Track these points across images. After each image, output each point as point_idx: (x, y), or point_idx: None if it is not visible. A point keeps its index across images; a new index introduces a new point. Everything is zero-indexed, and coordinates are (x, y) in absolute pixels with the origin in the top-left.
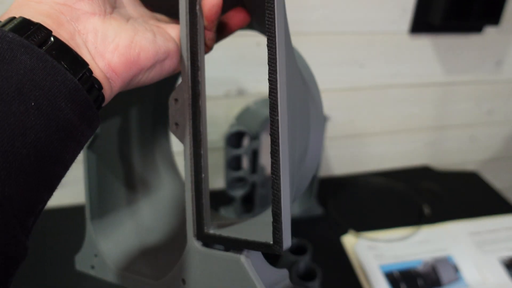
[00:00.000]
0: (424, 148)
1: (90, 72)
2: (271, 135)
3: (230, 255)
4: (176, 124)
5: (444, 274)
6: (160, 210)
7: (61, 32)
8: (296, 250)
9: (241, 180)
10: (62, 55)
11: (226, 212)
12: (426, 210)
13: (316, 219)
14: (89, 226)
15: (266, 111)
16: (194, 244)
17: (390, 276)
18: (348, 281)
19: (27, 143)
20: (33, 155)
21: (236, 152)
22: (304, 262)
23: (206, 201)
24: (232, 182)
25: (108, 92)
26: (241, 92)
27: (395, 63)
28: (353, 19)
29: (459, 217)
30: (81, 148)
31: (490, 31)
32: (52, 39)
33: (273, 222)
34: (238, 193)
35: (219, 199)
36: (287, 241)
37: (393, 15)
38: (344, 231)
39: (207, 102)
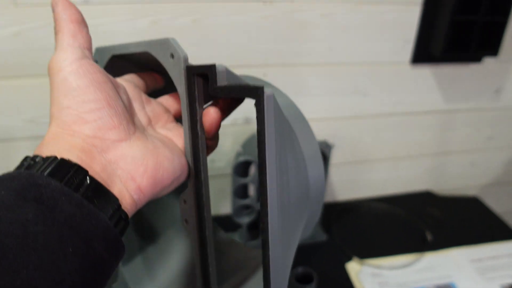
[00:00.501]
0: (426, 174)
1: (119, 205)
2: (260, 199)
3: None
4: (186, 220)
5: None
6: (169, 264)
7: (94, 166)
8: (302, 278)
9: (247, 207)
10: (97, 196)
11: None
12: (429, 236)
13: (321, 245)
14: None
15: None
16: None
17: None
18: None
19: (67, 282)
20: None
21: (242, 181)
22: None
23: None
24: (239, 210)
25: (133, 211)
26: (247, 121)
27: (397, 92)
28: (357, 50)
29: (461, 243)
30: (109, 279)
31: (489, 61)
32: (88, 180)
33: (263, 280)
34: (245, 220)
35: (226, 225)
36: None
37: (395, 46)
38: (348, 258)
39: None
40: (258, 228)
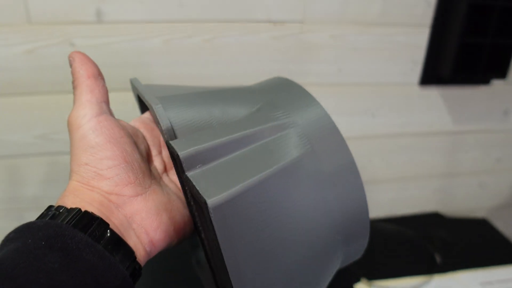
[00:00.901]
0: (434, 195)
1: (135, 258)
2: None
3: None
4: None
5: None
6: None
7: (113, 220)
8: None
9: None
10: (116, 249)
11: None
12: (438, 258)
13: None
14: None
15: None
16: None
17: None
18: None
19: None
20: None
21: None
22: None
23: None
24: None
25: (144, 262)
26: None
27: (406, 113)
28: (366, 71)
29: (470, 265)
30: None
31: (497, 83)
32: (108, 233)
33: None
34: None
35: None
36: None
37: (404, 68)
38: (357, 279)
39: None
40: None
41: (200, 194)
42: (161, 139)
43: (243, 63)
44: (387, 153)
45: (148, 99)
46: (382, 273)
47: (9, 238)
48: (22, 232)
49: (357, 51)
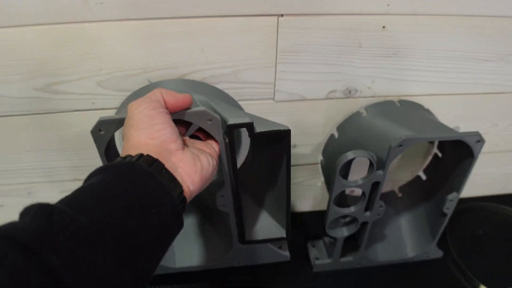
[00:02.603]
0: None
1: (182, 190)
2: None
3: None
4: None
5: None
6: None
7: (166, 164)
8: None
9: (346, 215)
10: (170, 181)
11: (318, 251)
12: None
13: (435, 264)
14: None
15: (386, 124)
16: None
17: None
18: None
19: (150, 238)
20: (152, 245)
21: (350, 185)
22: None
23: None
24: (336, 220)
25: (189, 199)
26: (350, 93)
27: None
28: None
29: None
30: (169, 245)
31: None
32: (164, 170)
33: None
34: (342, 233)
35: (307, 227)
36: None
37: None
38: (473, 285)
39: (305, 103)
40: (354, 238)
41: (276, 129)
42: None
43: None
44: None
45: (191, 111)
46: (508, 277)
47: (92, 174)
48: (101, 170)
49: None
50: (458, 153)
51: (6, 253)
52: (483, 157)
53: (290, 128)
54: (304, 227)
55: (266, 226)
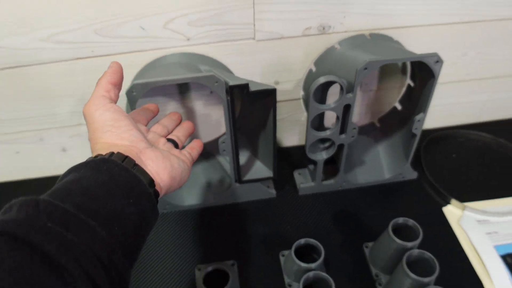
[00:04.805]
0: None
1: (154, 183)
2: None
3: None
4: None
5: None
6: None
7: (136, 160)
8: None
9: (323, 141)
10: (142, 174)
11: (303, 177)
12: None
13: (410, 184)
14: None
15: (356, 53)
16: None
17: (509, 260)
18: (456, 261)
19: (130, 226)
20: (134, 232)
21: (323, 108)
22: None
23: (239, 165)
24: (315, 144)
25: (159, 195)
26: (324, 30)
27: None
28: None
29: None
30: (150, 232)
31: None
32: (135, 166)
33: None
34: (322, 156)
35: (294, 160)
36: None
37: None
38: (445, 201)
39: (283, 41)
40: (335, 163)
41: (265, 88)
42: (143, 127)
43: None
44: (483, 45)
45: (201, 75)
46: (476, 194)
47: (66, 173)
48: (75, 168)
49: None
50: (423, 78)
51: (0, 248)
52: (455, 86)
53: (272, 64)
54: (291, 159)
55: (257, 169)
